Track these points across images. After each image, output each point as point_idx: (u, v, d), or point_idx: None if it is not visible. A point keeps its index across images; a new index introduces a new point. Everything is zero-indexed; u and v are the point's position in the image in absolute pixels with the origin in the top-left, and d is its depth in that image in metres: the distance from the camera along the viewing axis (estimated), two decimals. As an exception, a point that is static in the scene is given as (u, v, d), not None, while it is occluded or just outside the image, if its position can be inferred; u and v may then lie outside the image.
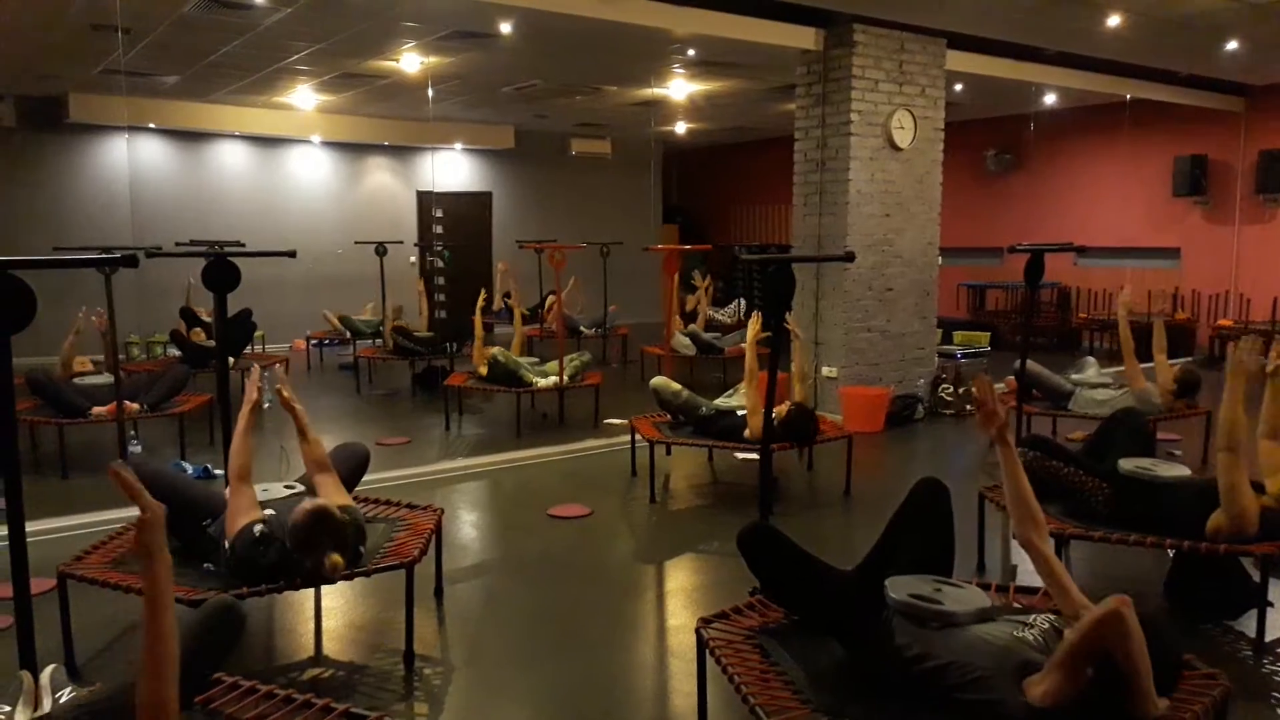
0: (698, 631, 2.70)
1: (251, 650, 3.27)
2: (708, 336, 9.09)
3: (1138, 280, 10.96)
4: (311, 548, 2.90)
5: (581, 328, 10.24)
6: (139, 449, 5.97)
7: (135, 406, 5.87)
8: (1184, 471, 3.68)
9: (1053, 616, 2.33)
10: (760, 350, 5.20)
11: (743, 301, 11.31)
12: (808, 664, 2.49)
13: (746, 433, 5.00)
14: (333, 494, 3.33)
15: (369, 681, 3.06)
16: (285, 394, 3.50)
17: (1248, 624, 3.37)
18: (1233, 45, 7.94)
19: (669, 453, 5.90)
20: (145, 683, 1.79)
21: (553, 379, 6.87)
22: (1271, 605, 3.37)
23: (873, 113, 7.12)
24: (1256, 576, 3.35)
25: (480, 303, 7.36)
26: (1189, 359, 9.81)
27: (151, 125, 10.53)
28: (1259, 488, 3.34)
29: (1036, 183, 12.13)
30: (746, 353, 5.23)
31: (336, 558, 2.93)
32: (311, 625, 3.52)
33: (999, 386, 7.17)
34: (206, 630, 2.26)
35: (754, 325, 5.23)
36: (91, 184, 10.29)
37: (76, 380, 6.20)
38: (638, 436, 5.44)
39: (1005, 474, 2.40)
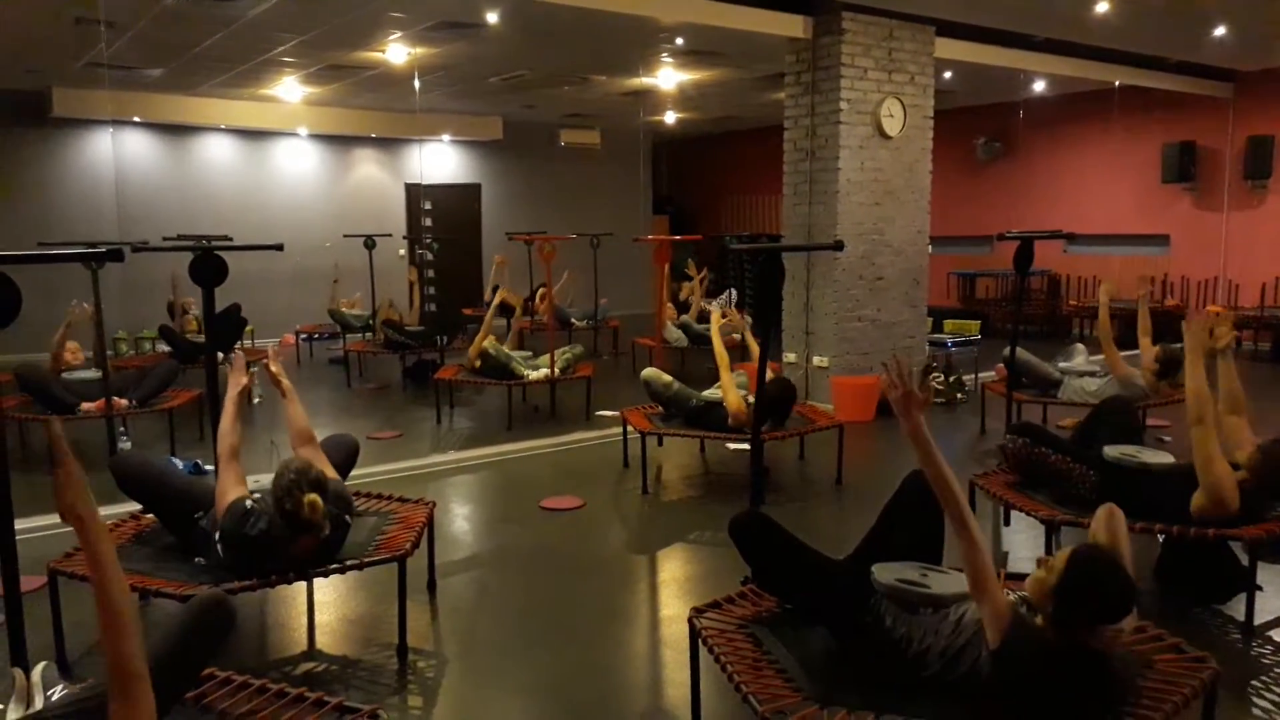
0: (690, 621, 2.70)
1: (244, 645, 3.27)
2: (699, 328, 9.08)
3: (1127, 267, 11.01)
4: (290, 490, 2.90)
5: (573, 320, 10.23)
6: (128, 445, 5.94)
7: (124, 402, 5.85)
8: (1167, 458, 3.71)
9: (1024, 593, 2.37)
10: (732, 341, 5.50)
11: (734, 292, 11.31)
12: (800, 652, 2.50)
13: (730, 420, 5.02)
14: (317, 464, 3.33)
15: (362, 675, 3.06)
16: (273, 368, 3.53)
17: (1237, 608, 3.40)
18: (1221, 31, 7.96)
19: (661, 444, 5.91)
20: (105, 641, 1.76)
21: (544, 371, 6.86)
22: (1260, 589, 3.39)
23: (862, 101, 7.11)
24: (1245, 560, 3.38)
25: (498, 300, 7.37)
26: (1179, 345, 9.85)
27: (136, 119, 10.46)
28: (1235, 468, 3.37)
29: (1026, 170, 12.15)
30: (715, 342, 5.47)
31: (314, 497, 2.91)
32: (304, 619, 3.51)
33: (990, 375, 7.19)
34: (197, 625, 2.24)
35: (715, 317, 5.73)
36: (76, 179, 10.23)
37: (65, 375, 6.16)
38: (629, 428, 5.44)
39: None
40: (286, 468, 2.97)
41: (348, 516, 3.19)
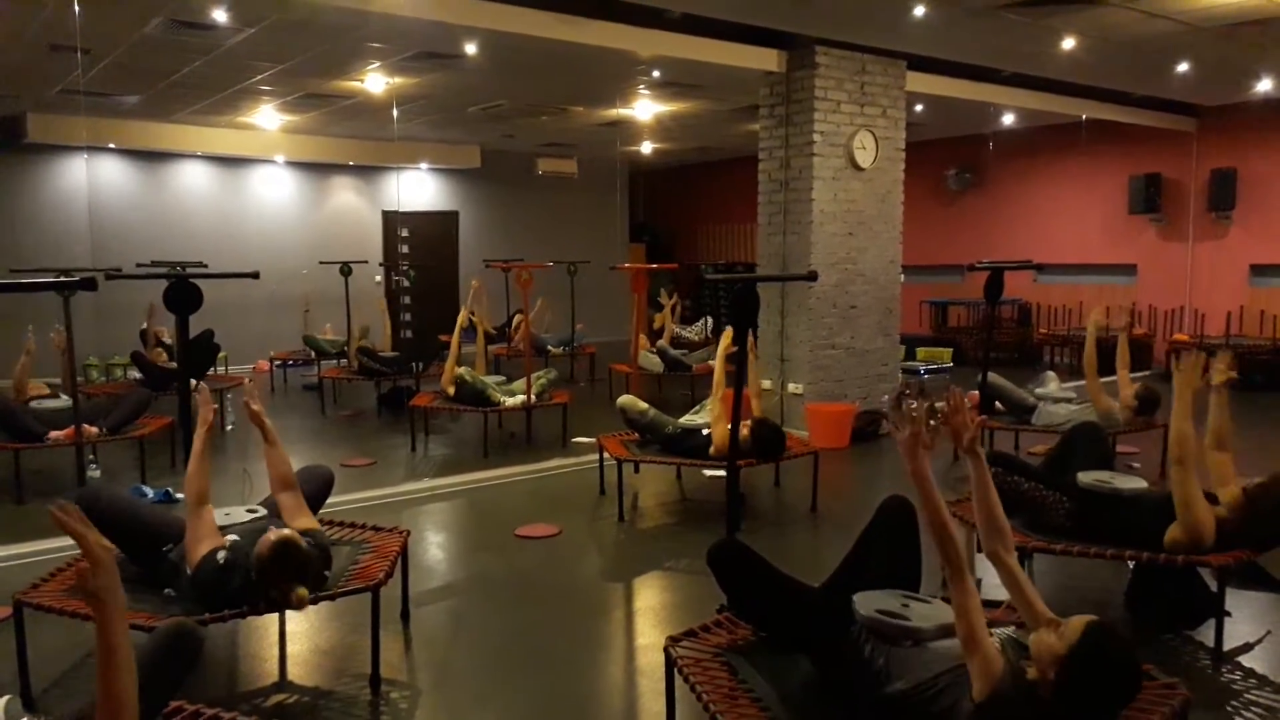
0: (666, 650, 2.70)
1: (214, 676, 3.22)
2: (675, 354, 9.12)
3: (1095, 296, 11.18)
4: (276, 581, 2.84)
5: (549, 346, 10.23)
6: (98, 473, 5.86)
7: (94, 430, 5.76)
8: (1141, 485, 3.75)
9: (1011, 630, 2.37)
10: (726, 367, 5.31)
11: (709, 320, 11.37)
12: (776, 681, 2.50)
13: (711, 450, 5.02)
14: (297, 516, 3.29)
15: (334, 707, 3.02)
16: (254, 407, 3.43)
17: (1206, 634, 3.44)
18: (1184, 67, 8.16)
19: (637, 471, 5.90)
20: None
21: (520, 398, 6.85)
22: (1229, 615, 3.43)
23: (835, 133, 7.22)
24: (1214, 587, 3.42)
25: (461, 322, 7.32)
26: (1147, 373, 10.00)
27: (112, 145, 10.40)
28: (1213, 499, 3.41)
29: (996, 201, 12.35)
30: (716, 366, 5.35)
31: (303, 591, 2.86)
32: (275, 650, 3.47)
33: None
34: (162, 655, 2.21)
35: (725, 338, 5.42)
36: (50, 205, 10.14)
37: (33, 404, 6.07)
38: (606, 455, 5.44)
39: (975, 487, 2.37)
40: (269, 547, 2.84)
41: (327, 572, 3.15)
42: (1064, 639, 2.10)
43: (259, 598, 2.90)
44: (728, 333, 5.46)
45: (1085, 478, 3.78)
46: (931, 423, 2.19)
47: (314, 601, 3.06)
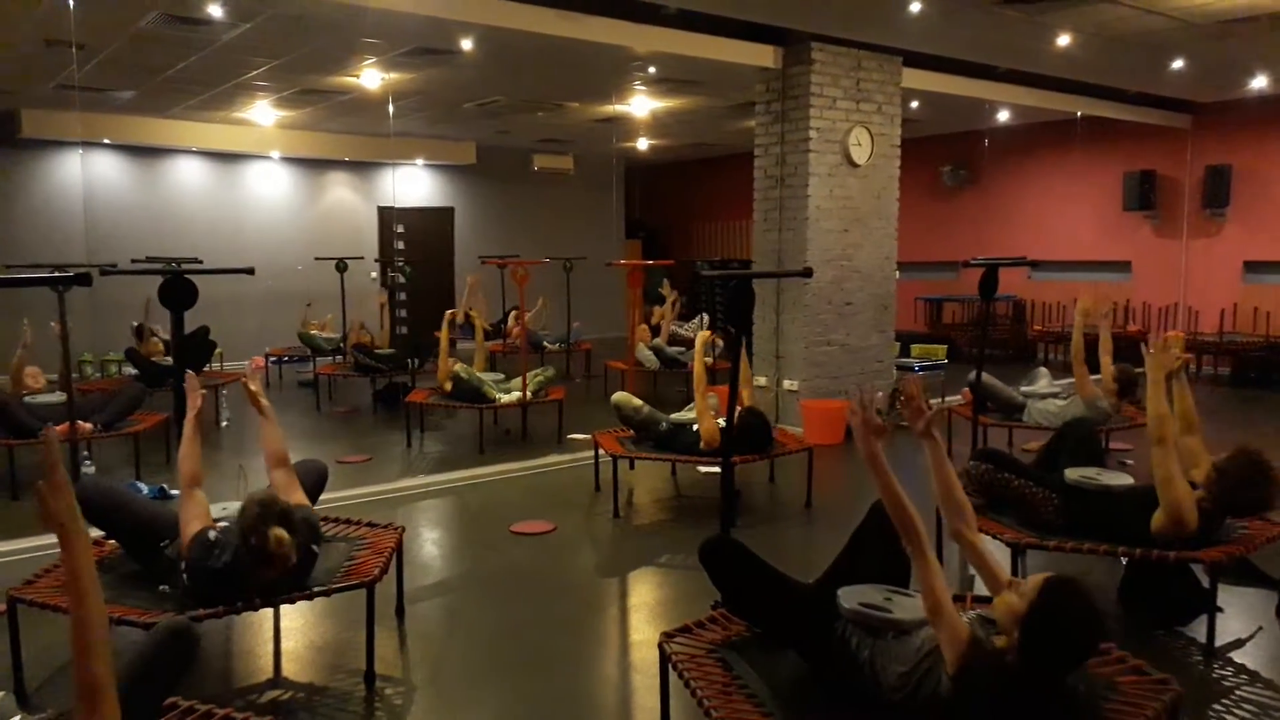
0: (660, 646, 2.71)
1: (209, 673, 3.23)
2: (671, 351, 9.12)
3: (1089, 294, 11.19)
4: (256, 525, 2.85)
5: (545, 343, 10.23)
6: (92, 469, 5.85)
7: (89, 426, 5.75)
8: (1127, 479, 3.78)
9: (980, 611, 2.40)
10: (721, 364, 5.34)
11: (705, 316, 11.37)
12: (769, 676, 2.51)
13: (701, 444, 5.03)
14: (290, 493, 3.30)
15: (329, 703, 3.03)
16: (253, 387, 3.48)
17: (1198, 630, 3.45)
18: (1178, 64, 8.18)
19: (632, 467, 5.92)
20: (77, 662, 1.72)
21: (516, 394, 6.85)
22: (1221, 611, 3.45)
23: (831, 130, 7.22)
24: (1206, 583, 3.44)
25: (448, 319, 7.29)
26: (1141, 370, 10.01)
27: (106, 141, 10.37)
28: (1194, 486, 3.44)
29: (991, 198, 12.36)
30: (695, 361, 5.40)
31: (280, 531, 2.86)
32: (270, 646, 3.47)
33: (956, 399, 7.28)
34: (159, 653, 2.21)
35: (700, 338, 5.50)
36: (45, 200, 10.11)
37: (28, 399, 6.06)
38: (601, 451, 5.45)
39: (933, 469, 2.46)
40: (252, 500, 2.92)
41: (315, 546, 3.15)
42: (1024, 596, 2.16)
43: (247, 574, 2.89)
44: (701, 336, 5.57)
45: (1072, 474, 3.81)
46: (894, 412, 2.31)
47: (309, 597, 3.07)
